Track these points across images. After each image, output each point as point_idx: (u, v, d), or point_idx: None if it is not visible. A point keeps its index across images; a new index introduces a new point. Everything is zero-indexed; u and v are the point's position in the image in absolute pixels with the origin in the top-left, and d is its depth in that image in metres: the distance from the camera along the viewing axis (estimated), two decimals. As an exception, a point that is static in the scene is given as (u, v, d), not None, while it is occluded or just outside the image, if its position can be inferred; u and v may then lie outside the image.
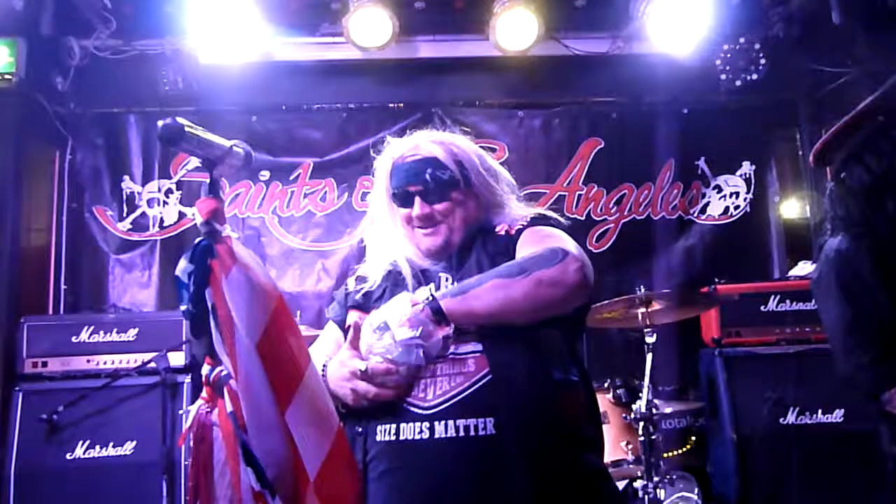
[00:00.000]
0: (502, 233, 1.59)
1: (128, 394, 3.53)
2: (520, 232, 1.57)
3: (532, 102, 4.35)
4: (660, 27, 3.89)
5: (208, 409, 1.05)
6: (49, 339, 3.57)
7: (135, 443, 3.51)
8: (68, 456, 3.44)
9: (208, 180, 1.14)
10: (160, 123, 1.08)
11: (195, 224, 4.04)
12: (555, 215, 1.65)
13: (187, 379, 3.61)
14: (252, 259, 1.13)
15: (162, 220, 4.17)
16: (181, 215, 4.18)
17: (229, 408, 1.03)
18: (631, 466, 3.13)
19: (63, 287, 4.08)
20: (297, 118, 4.28)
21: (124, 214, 4.15)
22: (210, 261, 1.08)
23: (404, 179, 1.60)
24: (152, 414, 3.51)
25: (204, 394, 1.07)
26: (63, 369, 3.56)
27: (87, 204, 4.13)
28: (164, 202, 4.18)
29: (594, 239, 4.26)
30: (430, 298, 1.39)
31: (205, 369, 1.08)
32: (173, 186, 4.19)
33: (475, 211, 1.63)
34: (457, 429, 1.33)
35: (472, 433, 1.33)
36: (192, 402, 3.38)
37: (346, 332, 1.53)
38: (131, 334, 3.64)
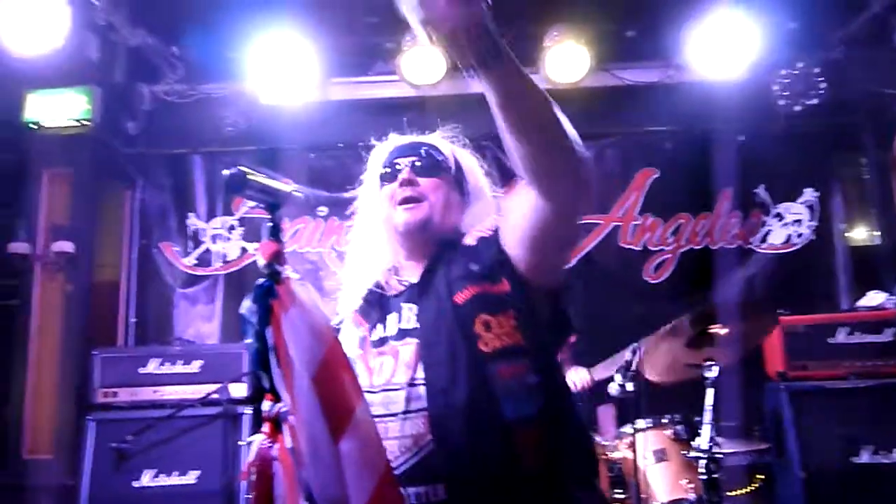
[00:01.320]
0: (473, 242, 1.46)
1: (191, 424, 3.62)
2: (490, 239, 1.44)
3: (584, 134, 4.32)
4: (712, 54, 3.87)
5: (269, 444, 1.09)
6: (119, 370, 3.72)
7: (198, 472, 3.60)
8: (135, 484, 3.55)
9: (270, 224, 1.19)
10: (225, 173, 1.15)
11: (256, 259, 4.25)
12: None
13: (248, 410, 3.70)
14: (310, 299, 1.18)
15: (225, 256, 4.33)
16: (243, 251, 4.34)
17: (289, 443, 1.07)
18: (692, 507, 3.03)
19: (132, 320, 4.27)
20: (352, 154, 4.38)
21: (189, 250, 4.33)
22: (271, 301, 1.13)
23: (396, 155, 1.56)
24: (214, 444, 3.60)
25: (265, 429, 1.10)
26: (131, 399, 3.70)
27: (155, 240, 4.33)
28: (227, 238, 4.34)
29: (651, 269, 4.21)
30: None
31: (265, 405, 1.12)
32: (235, 223, 4.36)
33: (457, 207, 1.54)
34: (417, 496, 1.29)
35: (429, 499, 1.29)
36: (253, 433, 3.47)
37: None
38: (196, 366, 3.76)
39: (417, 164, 1.53)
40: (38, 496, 3.62)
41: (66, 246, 3.83)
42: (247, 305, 1.17)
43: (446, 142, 1.67)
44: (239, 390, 3.70)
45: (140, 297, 4.30)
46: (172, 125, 4.35)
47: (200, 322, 4.26)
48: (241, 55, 4.26)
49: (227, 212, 4.37)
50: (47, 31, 3.24)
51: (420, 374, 1.35)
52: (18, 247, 3.82)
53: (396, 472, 1.26)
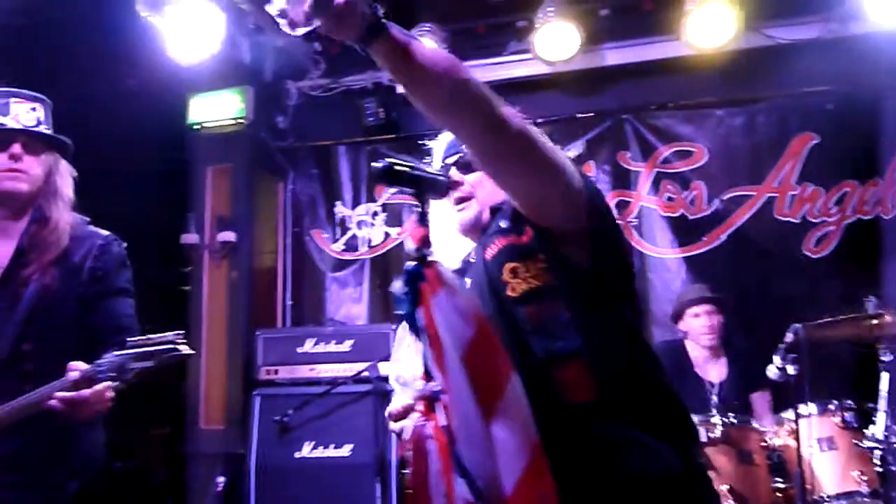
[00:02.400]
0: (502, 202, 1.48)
1: (345, 400, 3.86)
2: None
3: (732, 99, 4.09)
4: (880, 1, 3.48)
5: (424, 422, 1.13)
6: (279, 349, 4.02)
7: (352, 445, 3.82)
8: (297, 454, 3.83)
9: (418, 210, 1.23)
10: (374, 165, 1.20)
11: (399, 243, 4.41)
12: None
13: (395, 388, 3.87)
14: (455, 281, 1.21)
15: (370, 241, 4.52)
16: (386, 235, 4.50)
17: (443, 421, 1.11)
18: (866, 500, 2.78)
19: (288, 303, 4.58)
20: (488, 136, 4.41)
21: (337, 236, 4.56)
22: (420, 284, 1.17)
23: (445, 153, 1.59)
24: (366, 419, 3.81)
25: (420, 407, 1.15)
26: (291, 377, 3.99)
27: (307, 228, 4.60)
28: (371, 224, 4.53)
29: (812, 243, 3.89)
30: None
31: (419, 384, 1.17)
32: (379, 209, 4.53)
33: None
34: None
35: None
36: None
37: None
38: (347, 345, 3.98)
39: (460, 162, 1.55)
40: (214, 462, 4.01)
41: (230, 235, 4.17)
42: (397, 287, 1.22)
43: None
44: (387, 368, 3.88)
45: (295, 281, 4.60)
46: (318, 118, 4.59)
47: (349, 304, 4.48)
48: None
49: (371, 199, 4.55)
50: (206, 38, 3.51)
51: None
52: (189, 238, 4.21)
53: None
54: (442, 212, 1.62)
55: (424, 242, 1.21)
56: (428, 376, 1.18)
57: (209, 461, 4.01)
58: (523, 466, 1.14)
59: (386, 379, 3.82)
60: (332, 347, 4.00)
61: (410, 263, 1.21)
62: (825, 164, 3.92)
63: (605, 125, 4.22)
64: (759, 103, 4.05)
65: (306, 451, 3.84)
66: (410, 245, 1.22)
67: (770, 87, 4.04)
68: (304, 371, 3.99)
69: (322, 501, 3.74)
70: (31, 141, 1.86)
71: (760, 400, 3.35)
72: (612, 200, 4.15)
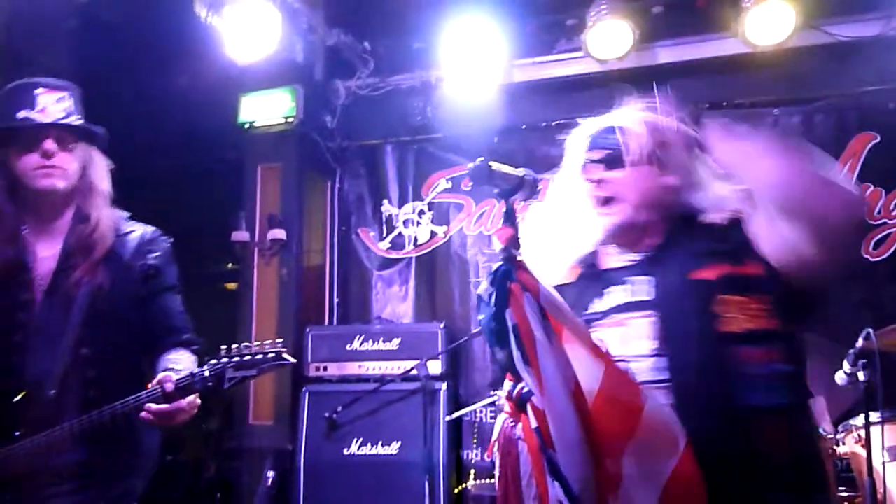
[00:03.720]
0: (715, 220, 1.38)
1: (393, 398, 3.87)
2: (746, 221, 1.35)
3: (789, 99, 4.00)
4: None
5: (513, 424, 1.13)
6: (328, 346, 4.05)
7: (399, 443, 3.84)
8: (345, 451, 3.86)
9: (505, 210, 1.22)
10: (469, 166, 1.19)
11: (446, 241, 4.42)
12: None
13: (444, 386, 3.87)
14: (550, 288, 1.20)
15: (416, 239, 4.52)
16: (432, 234, 4.50)
17: (533, 423, 1.10)
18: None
19: (336, 300, 4.61)
20: (536, 136, 4.38)
21: (384, 235, 4.58)
22: (509, 284, 1.16)
23: (589, 146, 1.52)
24: (414, 417, 3.80)
25: (507, 408, 1.14)
26: (340, 373, 4.02)
27: (354, 226, 4.63)
28: (418, 222, 4.53)
29: (871, 246, 3.78)
30: None
31: (507, 385, 1.16)
32: (425, 208, 4.53)
33: (663, 189, 1.44)
34: None
35: None
36: (449, 408, 3.60)
37: None
38: (395, 343, 4.00)
39: (608, 157, 1.46)
40: (263, 457, 4.05)
41: (279, 233, 4.21)
42: (484, 287, 1.21)
43: (641, 118, 1.54)
44: (435, 367, 3.88)
45: (342, 279, 4.63)
46: (366, 117, 4.60)
47: (395, 302, 4.50)
48: (426, 45, 4.41)
49: (417, 197, 4.55)
50: (262, 38, 3.55)
51: (658, 347, 1.33)
52: (240, 235, 4.27)
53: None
54: (539, 214, 1.60)
55: (513, 242, 1.20)
56: (517, 377, 1.18)
57: (258, 457, 4.05)
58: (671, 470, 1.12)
59: (434, 377, 3.83)
60: (381, 345, 4.02)
61: (498, 263, 1.21)
62: (886, 164, 3.81)
63: (657, 125, 4.16)
64: (817, 102, 3.95)
65: (354, 448, 3.87)
66: (498, 245, 1.21)
67: (829, 85, 3.94)
68: (352, 368, 4.02)
69: (370, 499, 3.76)
70: (63, 134, 1.74)
71: (818, 406, 3.27)
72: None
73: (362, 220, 4.62)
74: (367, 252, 4.59)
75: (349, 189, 4.67)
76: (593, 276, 1.50)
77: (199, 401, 1.63)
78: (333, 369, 4.03)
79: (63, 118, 1.74)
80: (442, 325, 4.04)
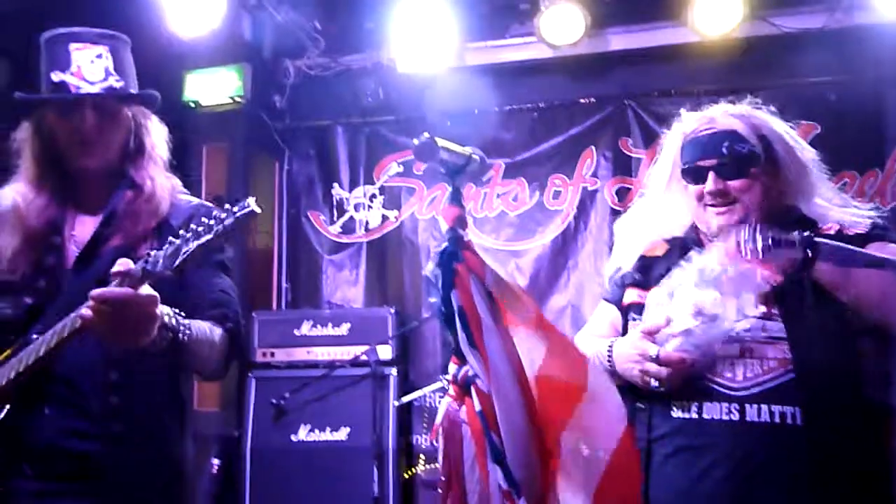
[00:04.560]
0: (832, 232, 1.44)
1: (342, 384, 3.82)
2: (863, 239, 1.42)
3: (735, 87, 4.05)
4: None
5: (457, 407, 1.11)
6: (275, 331, 3.98)
7: (349, 429, 3.81)
8: (293, 437, 3.81)
9: (451, 188, 1.20)
10: (415, 142, 1.16)
11: (397, 226, 4.37)
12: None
13: (393, 371, 3.85)
14: (495, 265, 1.18)
15: (367, 224, 4.47)
16: (384, 218, 4.46)
17: (478, 407, 1.08)
18: None
19: (284, 285, 4.53)
20: (489, 120, 4.36)
21: (335, 218, 4.51)
22: (456, 265, 1.14)
23: (697, 153, 1.52)
24: (364, 403, 3.77)
25: (452, 391, 1.12)
26: (287, 359, 3.95)
27: (303, 209, 4.54)
28: (369, 206, 4.48)
29: (812, 232, 3.90)
30: (803, 242, 1.28)
31: (451, 368, 1.14)
32: (377, 192, 4.48)
33: (779, 193, 1.52)
34: (771, 414, 1.34)
35: (786, 421, 1.33)
36: (399, 394, 3.58)
37: (623, 310, 1.56)
38: (344, 328, 3.95)
39: (721, 168, 1.49)
40: (208, 444, 3.96)
41: (226, 215, 4.09)
42: (430, 268, 1.18)
43: (741, 118, 1.58)
44: (385, 352, 3.85)
45: (291, 263, 4.54)
46: (315, 98, 4.51)
47: (346, 287, 4.44)
48: (378, 25, 4.34)
49: (369, 181, 4.49)
50: (207, 12, 3.43)
51: (774, 310, 1.40)
52: (184, 217, 4.13)
53: (757, 389, 1.35)
54: (637, 215, 1.65)
55: (459, 222, 1.18)
56: (461, 359, 1.16)
57: (204, 443, 3.96)
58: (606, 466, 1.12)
59: (384, 363, 3.81)
60: (330, 330, 3.97)
61: (443, 244, 1.18)
62: (826, 154, 3.87)
63: (607, 111, 4.19)
64: (761, 92, 4.02)
65: (302, 434, 3.82)
66: (444, 225, 1.19)
67: (773, 76, 4.02)
68: (300, 354, 3.96)
69: (318, 485, 3.73)
70: (103, 102, 1.53)
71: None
72: (612, 187, 4.15)
73: (312, 204, 4.54)
74: (318, 236, 4.52)
75: (298, 171, 4.58)
76: (687, 250, 1.53)
77: (157, 297, 1.33)
78: (281, 355, 3.96)
79: (101, 81, 1.51)
80: (392, 310, 4.00)
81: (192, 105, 4.24)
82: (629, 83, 4.19)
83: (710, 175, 1.49)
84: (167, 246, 1.29)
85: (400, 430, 3.85)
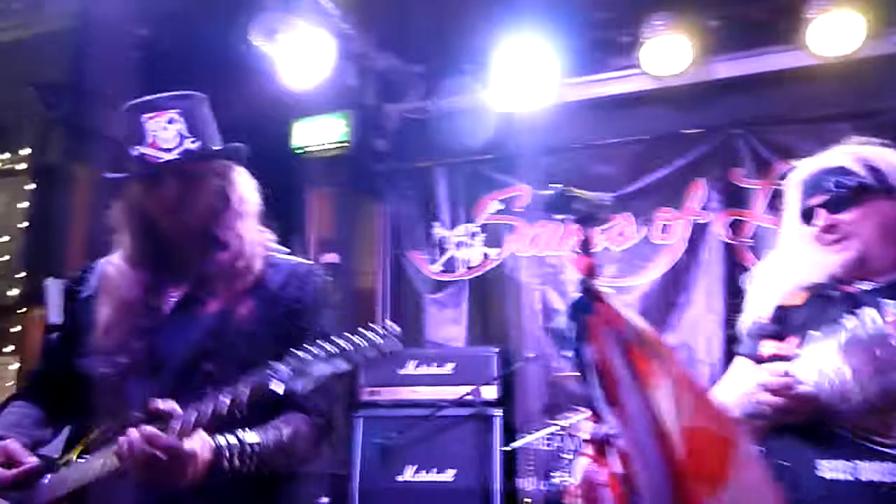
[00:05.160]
0: None
1: (447, 424, 3.81)
2: None
3: (860, 111, 3.83)
4: None
5: (595, 469, 1.06)
6: (380, 370, 4.00)
7: (455, 470, 3.76)
8: (399, 477, 3.80)
9: (583, 237, 1.16)
10: (544, 193, 1.14)
11: (499, 264, 4.35)
12: None
13: (498, 412, 3.79)
14: (634, 316, 1.13)
15: (468, 262, 4.48)
16: (485, 256, 4.45)
17: (618, 469, 1.03)
18: None
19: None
20: (590, 155, 4.31)
21: (436, 257, 4.55)
22: (588, 317, 1.10)
23: (807, 193, 1.54)
24: (469, 444, 3.74)
25: (589, 451, 1.07)
26: (392, 398, 3.97)
27: (405, 249, 4.61)
28: (470, 245, 4.49)
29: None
30: None
31: (587, 426, 1.09)
32: (477, 229, 4.49)
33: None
34: None
35: None
36: (504, 437, 3.51)
37: (761, 364, 1.49)
38: (448, 368, 3.94)
39: (829, 203, 1.49)
40: (317, 483, 4.02)
41: (333, 257, 4.22)
42: (561, 321, 1.15)
43: (849, 154, 1.56)
44: (490, 392, 3.81)
45: (394, 302, 4.60)
46: (416, 140, 4.60)
47: (448, 325, 4.44)
48: (476, 66, 4.39)
49: (469, 219, 4.52)
50: (316, 64, 3.58)
51: None
52: (294, 260, 4.28)
53: None
54: (771, 263, 1.61)
55: (591, 272, 1.14)
56: (598, 418, 1.11)
57: (312, 482, 4.02)
58: None
59: (488, 403, 3.76)
60: (434, 370, 3.96)
61: (576, 295, 1.15)
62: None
63: (715, 141, 4.04)
64: (887, 114, 3.77)
65: (409, 474, 3.81)
66: (575, 275, 1.15)
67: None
68: (405, 393, 3.96)
69: (425, 527, 3.69)
70: (182, 166, 1.49)
71: None
72: (725, 220, 3.96)
73: (414, 243, 4.60)
74: (419, 275, 4.56)
75: (400, 212, 4.66)
76: (828, 299, 1.50)
77: (196, 456, 1.23)
78: (386, 394, 3.98)
79: (177, 147, 1.48)
80: (496, 350, 3.96)
81: (301, 151, 4.41)
82: (737, 111, 4.03)
83: (820, 212, 1.49)
84: (292, 360, 1.20)
85: (505, 472, 3.77)
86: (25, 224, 3.64)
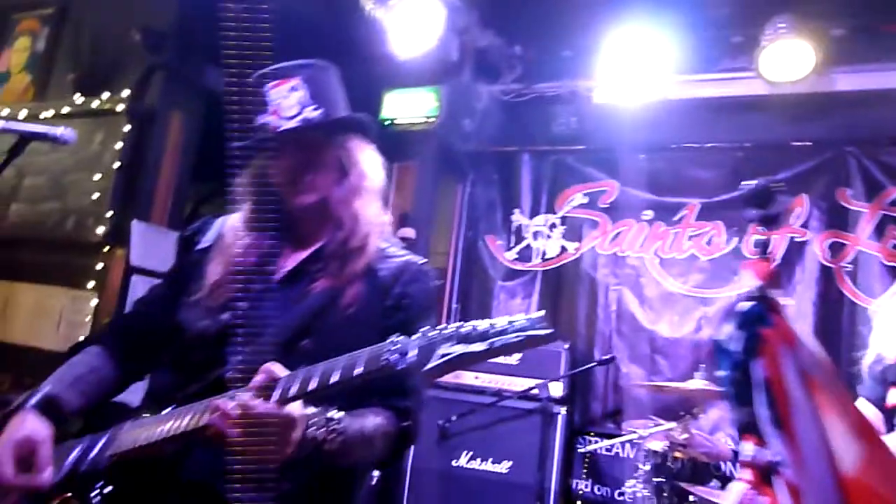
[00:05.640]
0: None
1: (508, 415, 3.73)
2: None
3: None
4: None
5: (753, 496, 0.96)
6: (446, 353, 3.94)
7: (511, 463, 3.69)
8: (454, 462, 3.76)
9: (764, 241, 1.05)
10: (749, 184, 1.03)
11: (576, 258, 4.24)
12: None
13: (563, 410, 3.70)
14: (804, 331, 1.02)
15: (544, 253, 4.37)
16: (562, 249, 4.33)
17: (784, 500, 0.93)
18: None
19: (454, 305, 4.53)
20: (686, 157, 4.14)
21: (511, 245, 4.45)
22: (763, 330, 0.99)
23: None
24: (528, 438, 3.66)
25: (748, 476, 0.97)
26: (455, 381, 3.91)
27: (481, 233, 4.53)
28: (548, 236, 4.38)
29: None
30: None
31: (748, 448, 0.99)
32: (557, 221, 4.37)
33: None
34: None
35: None
36: (566, 435, 3.41)
37: (888, 412, 1.36)
38: (515, 358, 3.84)
39: None
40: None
41: (409, 233, 4.16)
42: (727, 331, 1.04)
43: None
44: (556, 389, 3.71)
45: (463, 284, 4.54)
46: (505, 123, 4.49)
47: (516, 315, 4.34)
48: (577, 54, 4.25)
49: (550, 210, 4.40)
50: (425, 34, 3.51)
51: None
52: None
53: None
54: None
55: (771, 279, 1.03)
56: (760, 439, 1.00)
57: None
58: None
59: (554, 400, 3.67)
60: (500, 358, 3.87)
61: (747, 303, 1.04)
62: None
63: (825, 156, 3.82)
64: None
65: (464, 460, 3.76)
66: (753, 282, 1.05)
67: None
68: (468, 377, 3.90)
69: (474, 515, 3.64)
70: (304, 137, 1.42)
71: None
72: (825, 241, 3.75)
73: (490, 228, 4.51)
74: (493, 260, 4.48)
75: (480, 195, 4.58)
76: None
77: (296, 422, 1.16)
78: (450, 376, 3.90)
79: (297, 115, 1.41)
80: (566, 346, 3.86)
81: (388, 123, 4.36)
82: (853, 128, 3.79)
83: None
84: (418, 337, 1.09)
85: (562, 472, 3.68)
86: (117, 164, 3.69)
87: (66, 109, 3.89)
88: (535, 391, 3.65)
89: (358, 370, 1.12)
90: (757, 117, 3.98)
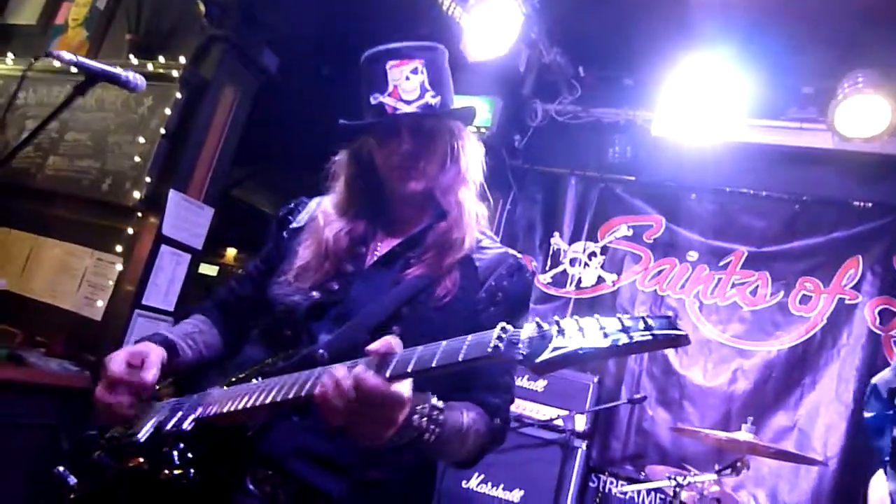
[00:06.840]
0: None
1: (526, 442, 3.59)
2: None
3: None
4: None
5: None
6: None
7: (523, 492, 3.54)
8: (464, 483, 3.61)
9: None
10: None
11: (613, 291, 4.11)
12: None
13: (583, 445, 3.55)
14: None
15: (580, 280, 4.25)
16: (599, 279, 4.21)
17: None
18: None
19: (480, 323, 4.39)
20: (739, 202, 4.02)
21: (547, 268, 4.33)
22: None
23: None
24: (545, 469, 3.52)
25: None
26: (475, 401, 3.77)
27: (518, 251, 4.39)
28: (586, 264, 4.25)
29: None
30: None
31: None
32: (598, 250, 4.25)
33: None
34: None
35: None
36: (584, 470, 3.25)
37: None
38: (540, 385, 3.72)
39: None
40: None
41: (446, 241, 4.05)
42: (887, 377, 0.92)
43: None
44: (580, 423, 3.57)
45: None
46: (555, 143, 4.41)
47: (544, 341, 4.21)
48: (638, 83, 4.16)
49: (591, 238, 4.29)
50: (501, 38, 3.42)
51: None
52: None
53: None
54: None
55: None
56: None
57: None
58: None
59: (577, 434, 3.52)
60: (524, 382, 3.75)
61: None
62: None
63: (885, 220, 3.69)
64: None
65: (474, 483, 3.61)
66: None
67: None
68: (489, 398, 3.76)
69: (478, 541, 3.49)
70: (420, 121, 1.39)
71: None
72: (875, 307, 3.61)
73: (527, 248, 4.40)
74: (526, 281, 4.35)
75: (521, 213, 4.47)
76: None
77: (406, 402, 1.05)
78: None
79: (417, 99, 1.37)
80: (596, 380, 3.72)
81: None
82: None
83: None
84: (531, 327, 0.95)
85: (575, 508, 3.54)
86: (163, 131, 3.59)
87: (118, 70, 3.79)
88: (559, 422, 3.51)
89: (465, 356, 0.98)
90: (818, 171, 3.87)
